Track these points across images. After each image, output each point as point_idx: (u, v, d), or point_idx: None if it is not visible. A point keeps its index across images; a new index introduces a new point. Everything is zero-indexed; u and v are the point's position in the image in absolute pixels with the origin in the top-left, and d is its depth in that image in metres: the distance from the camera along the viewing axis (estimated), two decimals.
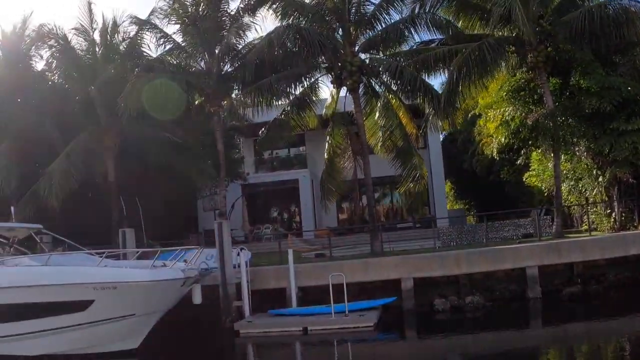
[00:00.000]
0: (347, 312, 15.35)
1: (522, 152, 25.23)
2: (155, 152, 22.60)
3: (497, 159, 25.72)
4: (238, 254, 17.31)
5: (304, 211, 31.11)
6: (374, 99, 21.54)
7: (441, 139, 32.31)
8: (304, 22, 20.23)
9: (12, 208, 18.13)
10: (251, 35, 22.96)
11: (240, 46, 21.11)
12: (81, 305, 13.05)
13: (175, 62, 21.96)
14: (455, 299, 16.99)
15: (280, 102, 21.94)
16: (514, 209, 25.85)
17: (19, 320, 13.24)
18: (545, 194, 25.78)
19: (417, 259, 17.92)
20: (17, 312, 13.22)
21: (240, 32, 20.60)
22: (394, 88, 20.68)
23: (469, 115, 26.68)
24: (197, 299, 14.78)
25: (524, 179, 25.52)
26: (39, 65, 24.06)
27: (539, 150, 23.81)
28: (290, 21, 20.31)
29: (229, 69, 21.84)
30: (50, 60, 23.62)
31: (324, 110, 22.79)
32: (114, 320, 13.28)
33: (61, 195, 19.82)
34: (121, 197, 22.43)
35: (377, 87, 21.68)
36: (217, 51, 21.42)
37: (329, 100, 22.73)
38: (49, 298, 12.98)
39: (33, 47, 23.22)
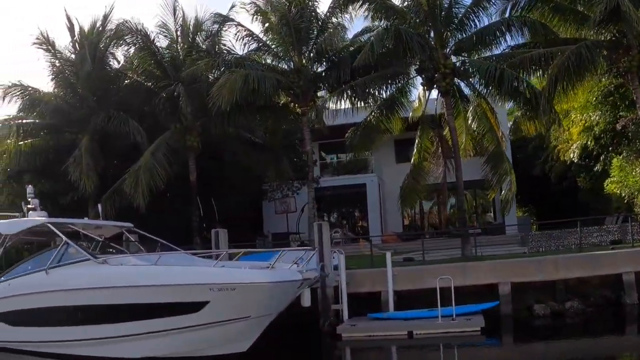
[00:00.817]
0: (454, 316, 14.85)
1: (601, 158, 24.91)
2: (235, 151, 22.96)
3: (575, 164, 25.31)
4: (332, 257, 17.41)
5: (371, 216, 30.71)
6: (460, 101, 21.13)
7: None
8: (393, 23, 19.70)
9: (99, 205, 17.72)
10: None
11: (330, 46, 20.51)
12: (194, 307, 12.33)
13: (263, 61, 21.68)
14: (555, 305, 16.42)
15: (361, 104, 21.37)
16: (585, 215, 25.25)
17: (122, 322, 12.78)
18: (625, 201, 25.32)
19: (514, 264, 17.48)
20: (120, 313, 12.75)
21: (333, 31, 20.37)
22: (485, 91, 20.06)
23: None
24: (307, 301, 14.05)
25: (604, 186, 24.95)
26: (114, 61, 23.89)
27: (621, 157, 23.54)
28: (381, 22, 20.16)
29: (319, 69, 21.57)
30: (128, 58, 23.50)
31: (410, 113, 22.36)
32: (228, 322, 12.56)
33: (147, 193, 19.58)
34: (197, 197, 22.80)
35: (466, 90, 21.33)
36: (306, 50, 21.10)
37: (416, 103, 22.41)
38: (160, 299, 12.42)
39: (112, 44, 23.06)
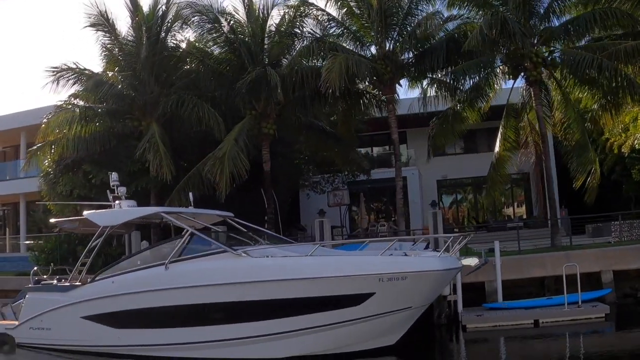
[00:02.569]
0: (580, 303, 14.61)
1: None
2: (309, 139, 22.13)
3: (629, 157, 25.58)
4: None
5: (412, 209, 30.06)
6: (544, 91, 20.75)
7: None
8: (480, 11, 19.52)
9: (190, 194, 16.29)
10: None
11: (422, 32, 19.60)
12: (357, 300, 11.41)
13: (346, 45, 20.49)
14: None
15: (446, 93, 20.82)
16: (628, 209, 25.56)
17: (267, 319, 11.70)
18: None
19: (617, 252, 17.37)
20: (267, 310, 11.65)
21: (427, 17, 19.27)
22: (574, 81, 19.79)
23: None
24: (447, 290, 14.22)
25: None
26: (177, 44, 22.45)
27: None
28: (466, 10, 19.83)
29: (404, 56, 20.64)
30: (191, 41, 22.23)
31: (484, 103, 21.50)
32: (388, 314, 11.73)
33: (229, 183, 18.36)
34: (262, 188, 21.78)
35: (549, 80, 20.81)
36: (393, 36, 20.26)
37: (498, 92, 21.55)
38: (319, 292, 11.39)
39: (177, 26, 21.64)
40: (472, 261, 12.83)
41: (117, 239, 21.45)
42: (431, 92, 21.06)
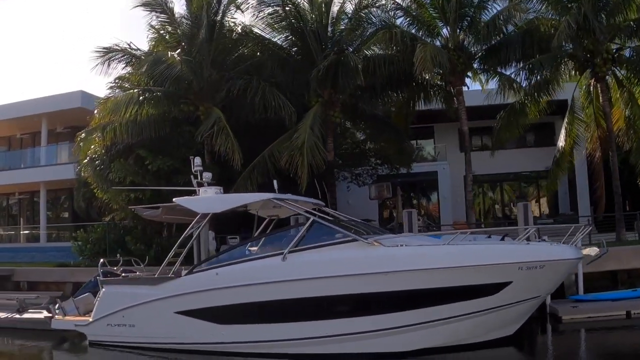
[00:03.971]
0: None
1: None
2: (367, 128, 21.01)
3: None
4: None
5: (443, 203, 29.37)
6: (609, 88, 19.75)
7: None
8: (549, 6, 18.45)
9: (275, 182, 15.62)
10: None
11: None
12: (494, 289, 10.61)
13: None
14: None
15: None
16: None
17: (397, 311, 10.73)
18: None
19: None
20: (399, 302, 10.70)
21: (509, 6, 17.72)
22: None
23: None
24: None
25: None
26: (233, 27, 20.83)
27: None
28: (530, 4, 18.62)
29: (478, 48, 19.48)
30: (252, 25, 20.43)
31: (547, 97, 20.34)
32: (518, 304, 10.98)
33: (307, 173, 17.18)
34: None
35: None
36: (464, 27, 19.22)
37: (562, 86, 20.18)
38: (457, 282, 10.52)
39: (232, 10, 20.33)
40: (592, 251, 11.94)
41: (168, 228, 20.05)
42: (491, 84, 20.36)
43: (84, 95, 28.25)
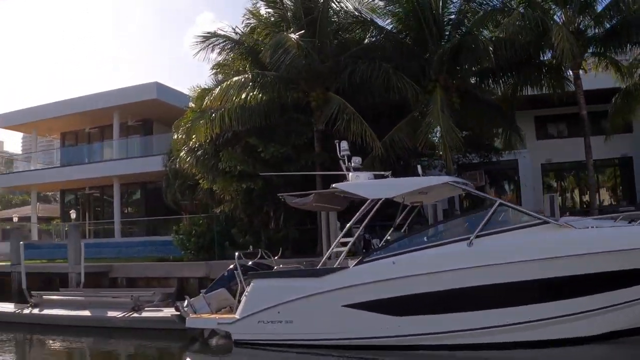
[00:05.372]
0: None
1: None
2: (477, 113, 19.70)
3: None
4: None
5: (523, 193, 28.03)
6: None
7: None
8: None
9: (419, 166, 13.87)
10: None
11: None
12: None
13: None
14: None
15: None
16: None
17: (584, 296, 9.87)
18: None
19: None
20: (596, 284, 9.84)
21: None
22: None
23: None
24: None
25: None
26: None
27: None
28: None
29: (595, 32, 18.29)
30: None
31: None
32: None
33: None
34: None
35: None
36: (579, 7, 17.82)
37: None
38: None
39: None
40: None
41: (275, 221, 18.81)
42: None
43: (159, 87, 27.16)
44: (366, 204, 11.89)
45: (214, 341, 13.73)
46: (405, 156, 18.42)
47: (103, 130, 30.24)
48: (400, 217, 13.72)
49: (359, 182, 12.07)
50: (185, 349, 13.98)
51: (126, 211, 29.79)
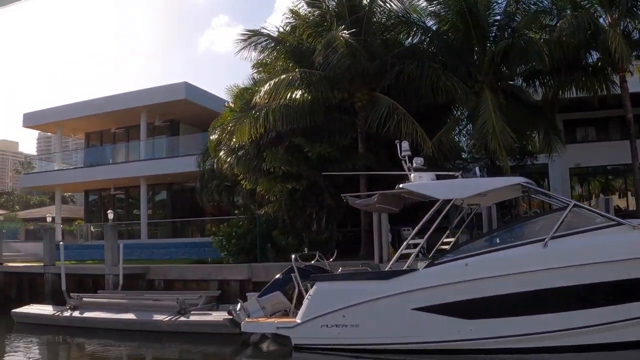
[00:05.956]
0: None
1: None
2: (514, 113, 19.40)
3: None
4: None
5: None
6: None
7: None
8: None
9: (477, 168, 13.42)
10: None
11: None
12: None
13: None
14: None
15: None
16: None
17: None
18: None
19: None
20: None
21: None
22: None
23: None
24: None
25: None
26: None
27: None
28: None
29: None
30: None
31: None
32: None
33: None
34: None
35: None
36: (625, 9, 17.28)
37: None
38: None
39: None
40: None
41: (318, 223, 18.35)
42: None
43: (188, 87, 26.79)
44: (436, 205, 11.50)
45: (264, 346, 13.38)
46: (452, 157, 18.05)
47: (129, 130, 29.83)
48: (457, 219, 13.45)
49: (429, 183, 11.81)
50: (238, 354, 13.62)
51: (150, 212, 29.30)
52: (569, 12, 17.71)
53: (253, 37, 18.54)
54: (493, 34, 18.40)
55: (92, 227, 28.18)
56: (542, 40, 17.06)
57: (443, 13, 18.43)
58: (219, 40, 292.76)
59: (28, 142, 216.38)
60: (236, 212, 22.04)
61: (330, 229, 18.02)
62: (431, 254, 12.05)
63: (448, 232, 13.47)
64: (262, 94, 16.73)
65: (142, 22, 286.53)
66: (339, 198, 18.06)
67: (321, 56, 16.20)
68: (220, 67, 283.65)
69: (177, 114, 27.81)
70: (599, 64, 18.52)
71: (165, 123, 28.33)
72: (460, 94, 16.29)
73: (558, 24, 16.62)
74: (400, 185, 11.86)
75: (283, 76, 16.93)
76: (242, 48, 18.47)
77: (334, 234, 17.75)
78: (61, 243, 17.35)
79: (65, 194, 40.61)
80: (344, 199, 12.71)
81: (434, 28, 18.67)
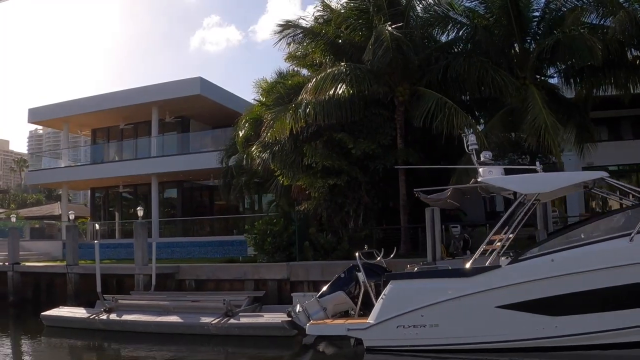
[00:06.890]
0: None
1: None
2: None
3: None
4: None
5: (569, 195, 28.21)
6: None
7: None
8: None
9: (537, 163, 12.38)
10: None
11: None
12: None
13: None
14: None
15: None
16: None
17: None
18: None
19: None
20: None
21: None
22: None
23: None
24: None
25: None
26: None
27: None
28: None
29: None
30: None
31: None
32: None
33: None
34: None
35: None
36: None
37: None
38: None
39: None
40: None
41: (355, 219, 17.78)
42: None
43: (203, 82, 25.88)
44: (518, 200, 11.09)
45: (320, 347, 12.86)
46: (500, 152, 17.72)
47: (137, 127, 28.69)
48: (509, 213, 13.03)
49: (509, 177, 11.49)
50: (300, 357, 13.05)
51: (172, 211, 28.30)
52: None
53: (288, 30, 17.86)
54: (532, 30, 18.12)
55: (97, 225, 26.96)
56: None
57: (482, 11, 18.05)
58: (210, 39, 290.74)
59: (21, 141, 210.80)
60: (266, 210, 21.24)
61: (369, 226, 17.49)
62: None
63: (506, 229, 13.06)
64: (309, 88, 16.04)
65: (130, 20, 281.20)
66: (374, 195, 17.78)
67: (370, 52, 15.58)
68: (213, 66, 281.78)
69: (189, 110, 26.86)
70: (637, 62, 18.34)
71: (177, 119, 27.34)
72: (510, 89, 15.90)
73: (609, 21, 16.33)
74: (479, 179, 11.43)
75: (329, 70, 16.32)
76: (280, 39, 17.75)
77: (374, 231, 17.22)
78: (96, 242, 16.37)
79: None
80: (416, 194, 12.25)
81: (474, 23, 18.24)
